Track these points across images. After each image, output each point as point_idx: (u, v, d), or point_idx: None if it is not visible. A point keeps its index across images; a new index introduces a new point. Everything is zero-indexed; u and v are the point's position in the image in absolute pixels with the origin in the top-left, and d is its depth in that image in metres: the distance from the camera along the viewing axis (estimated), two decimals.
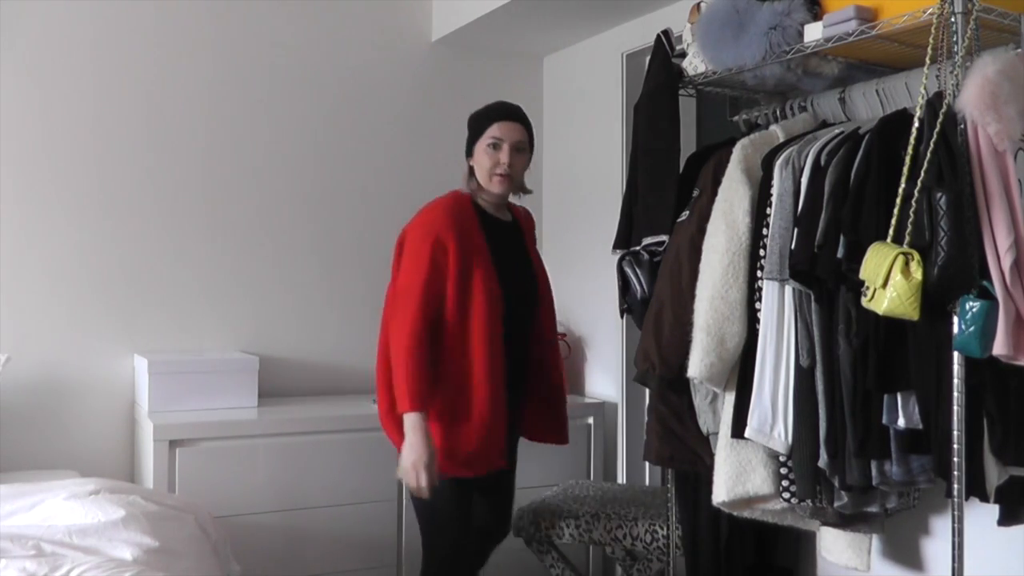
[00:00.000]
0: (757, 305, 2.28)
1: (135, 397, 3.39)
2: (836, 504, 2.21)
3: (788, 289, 2.21)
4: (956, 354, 1.95)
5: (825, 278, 2.10)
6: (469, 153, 2.58)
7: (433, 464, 2.39)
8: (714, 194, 2.38)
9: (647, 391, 2.73)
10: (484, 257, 2.49)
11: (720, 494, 2.32)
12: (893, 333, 2.04)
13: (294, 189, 3.70)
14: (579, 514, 2.97)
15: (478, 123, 2.57)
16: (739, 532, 2.66)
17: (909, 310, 1.87)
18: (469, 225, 2.51)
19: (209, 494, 2.93)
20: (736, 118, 2.79)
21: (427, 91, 3.88)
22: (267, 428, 3.13)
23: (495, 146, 2.51)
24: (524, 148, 2.57)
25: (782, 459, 2.26)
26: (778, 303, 2.23)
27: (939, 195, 1.89)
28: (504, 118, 2.54)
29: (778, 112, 2.63)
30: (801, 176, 2.22)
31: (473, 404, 2.44)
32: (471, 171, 2.57)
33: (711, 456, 2.41)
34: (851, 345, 2.09)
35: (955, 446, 1.95)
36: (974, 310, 1.87)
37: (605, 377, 3.77)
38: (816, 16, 2.31)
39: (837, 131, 2.28)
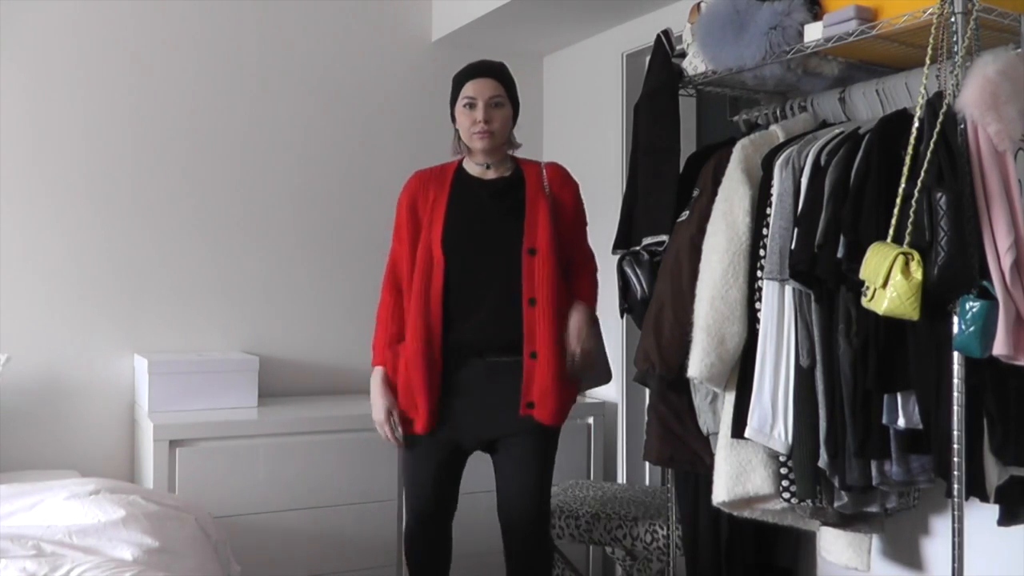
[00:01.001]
0: (757, 305, 2.28)
1: (135, 397, 3.39)
2: (836, 504, 2.21)
3: (788, 289, 2.21)
4: (956, 354, 1.94)
5: (825, 278, 2.10)
6: (453, 118, 2.60)
7: (390, 416, 2.54)
8: (714, 194, 2.38)
9: (647, 391, 2.73)
10: (434, 221, 2.52)
11: (720, 494, 2.32)
12: (893, 333, 2.04)
13: (294, 189, 3.70)
14: (579, 514, 2.97)
15: (454, 85, 2.58)
16: (739, 532, 2.65)
17: (909, 310, 1.87)
18: (434, 188, 2.56)
19: (209, 494, 2.93)
20: (736, 118, 2.79)
21: (427, 91, 3.87)
22: (267, 428, 3.14)
23: (470, 105, 2.51)
24: (501, 103, 2.53)
25: (782, 459, 2.26)
26: (778, 303, 2.23)
27: (939, 195, 1.89)
28: (475, 75, 2.53)
29: (778, 112, 2.63)
30: (801, 176, 2.22)
31: (400, 364, 2.54)
32: (457, 134, 2.59)
33: (711, 456, 2.41)
34: (851, 345, 2.09)
35: (955, 446, 1.95)
36: (974, 310, 1.87)
37: None
38: (816, 16, 2.30)
39: (837, 131, 2.27)
